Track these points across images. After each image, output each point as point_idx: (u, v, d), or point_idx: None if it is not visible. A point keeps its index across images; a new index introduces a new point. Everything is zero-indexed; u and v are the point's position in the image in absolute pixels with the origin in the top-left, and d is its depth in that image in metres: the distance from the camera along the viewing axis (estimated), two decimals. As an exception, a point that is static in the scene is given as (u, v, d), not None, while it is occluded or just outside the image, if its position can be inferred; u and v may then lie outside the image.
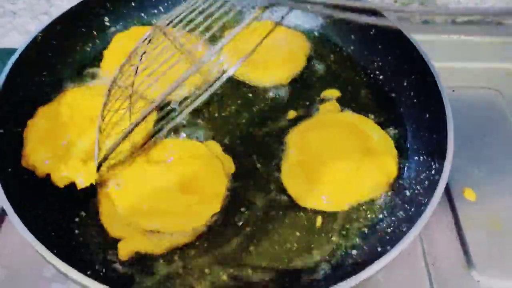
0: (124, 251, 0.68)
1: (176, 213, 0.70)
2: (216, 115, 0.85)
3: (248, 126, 0.83)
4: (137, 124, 0.64)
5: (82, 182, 0.72)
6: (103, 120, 0.70)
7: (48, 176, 0.73)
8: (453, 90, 1.00)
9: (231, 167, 0.77)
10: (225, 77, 0.75)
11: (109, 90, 0.71)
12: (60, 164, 0.73)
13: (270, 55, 0.89)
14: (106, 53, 0.91)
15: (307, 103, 0.87)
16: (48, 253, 0.58)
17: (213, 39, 0.79)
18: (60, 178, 0.73)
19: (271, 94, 0.88)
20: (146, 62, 0.70)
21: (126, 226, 0.69)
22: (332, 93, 0.87)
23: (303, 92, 0.88)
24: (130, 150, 0.74)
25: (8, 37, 1.17)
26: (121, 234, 0.69)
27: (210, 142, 0.80)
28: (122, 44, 0.91)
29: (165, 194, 0.71)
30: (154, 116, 0.79)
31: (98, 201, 0.72)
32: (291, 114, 0.85)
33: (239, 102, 0.87)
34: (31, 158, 0.74)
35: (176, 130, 0.81)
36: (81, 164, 0.73)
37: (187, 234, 0.69)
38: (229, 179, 0.75)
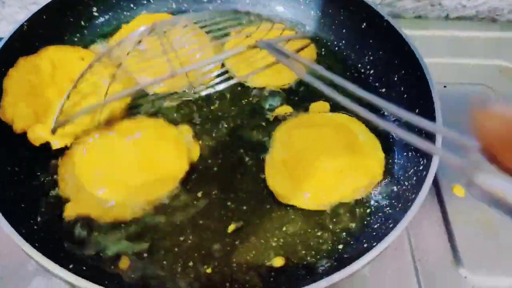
0: (70, 212, 0.70)
1: (128, 186, 0.71)
2: (205, 109, 0.84)
3: (236, 119, 0.83)
4: (109, 102, 0.66)
5: (57, 143, 0.73)
6: (74, 87, 0.71)
7: (24, 133, 0.73)
8: (445, 86, 0.99)
9: (196, 153, 0.78)
10: (231, 82, 0.77)
11: (96, 60, 0.72)
12: (38, 122, 0.73)
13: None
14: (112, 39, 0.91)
15: (296, 98, 0.86)
16: (29, 248, 0.57)
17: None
18: (36, 137, 0.73)
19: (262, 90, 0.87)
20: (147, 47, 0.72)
21: (78, 189, 0.71)
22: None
23: (293, 88, 0.87)
24: (94, 122, 0.76)
25: (-3, 27, 1.16)
26: (72, 196, 0.71)
27: (182, 126, 0.80)
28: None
29: (123, 166, 0.73)
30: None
31: (60, 162, 0.74)
32: (282, 110, 0.84)
33: (228, 96, 0.86)
34: (9, 111, 0.73)
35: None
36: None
37: (135, 209, 0.71)
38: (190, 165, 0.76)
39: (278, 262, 0.68)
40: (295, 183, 0.73)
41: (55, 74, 0.79)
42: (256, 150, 0.79)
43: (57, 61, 0.80)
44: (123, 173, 0.72)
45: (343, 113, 0.82)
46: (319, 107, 0.84)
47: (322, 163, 0.74)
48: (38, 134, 0.73)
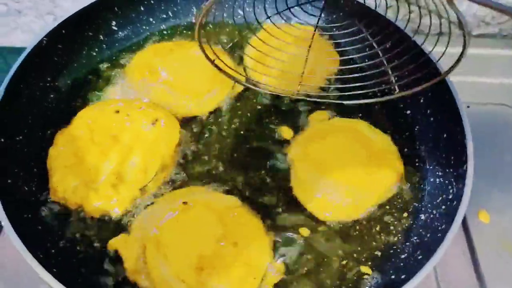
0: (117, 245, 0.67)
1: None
2: (224, 132, 0.82)
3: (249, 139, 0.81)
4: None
5: (117, 211, 0.70)
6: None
7: (80, 208, 0.70)
8: (468, 106, 0.97)
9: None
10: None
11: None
12: (91, 192, 0.70)
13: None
14: (128, 68, 0.88)
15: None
16: (46, 273, 0.55)
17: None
18: (94, 209, 0.70)
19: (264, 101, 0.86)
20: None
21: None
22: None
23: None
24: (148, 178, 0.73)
25: (12, 36, 1.15)
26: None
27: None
28: (145, 59, 0.88)
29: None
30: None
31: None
32: (284, 133, 0.82)
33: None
34: (60, 190, 0.70)
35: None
36: (112, 189, 0.70)
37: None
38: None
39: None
40: (328, 196, 0.72)
41: (94, 136, 0.75)
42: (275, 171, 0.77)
43: (92, 123, 0.76)
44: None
45: (345, 118, 0.82)
46: (318, 116, 0.84)
47: (349, 170, 0.74)
48: (94, 206, 0.69)
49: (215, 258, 0.64)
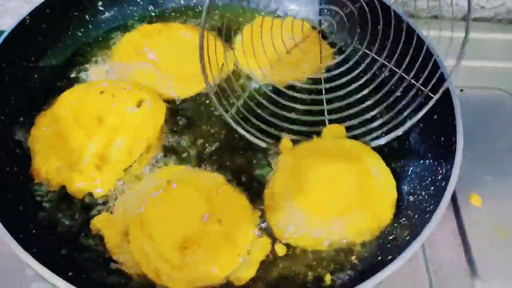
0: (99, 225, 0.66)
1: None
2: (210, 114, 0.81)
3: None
4: None
5: (100, 191, 0.69)
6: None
7: (63, 188, 0.69)
8: (461, 90, 0.96)
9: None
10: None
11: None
12: (74, 173, 0.69)
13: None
14: (115, 49, 0.87)
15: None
16: (26, 254, 0.54)
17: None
18: (77, 190, 0.69)
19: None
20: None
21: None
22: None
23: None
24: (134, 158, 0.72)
25: (1, 20, 1.13)
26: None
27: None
28: (132, 40, 0.87)
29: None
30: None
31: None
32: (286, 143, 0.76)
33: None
34: (43, 171, 0.69)
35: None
36: (96, 170, 0.69)
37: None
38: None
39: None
40: (296, 219, 0.67)
41: (78, 117, 0.73)
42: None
43: (76, 103, 0.75)
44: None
45: (358, 142, 0.76)
46: (333, 131, 0.78)
47: (330, 199, 0.69)
48: (77, 187, 0.68)
49: (199, 236, 0.64)
